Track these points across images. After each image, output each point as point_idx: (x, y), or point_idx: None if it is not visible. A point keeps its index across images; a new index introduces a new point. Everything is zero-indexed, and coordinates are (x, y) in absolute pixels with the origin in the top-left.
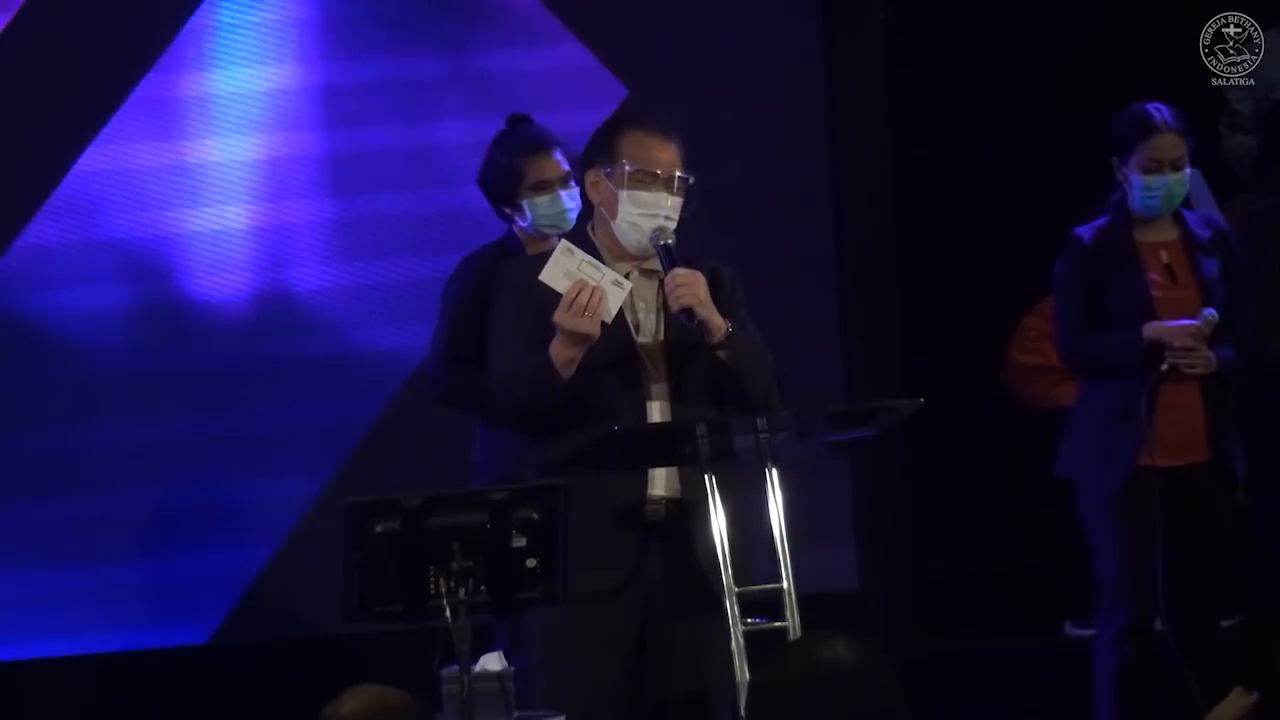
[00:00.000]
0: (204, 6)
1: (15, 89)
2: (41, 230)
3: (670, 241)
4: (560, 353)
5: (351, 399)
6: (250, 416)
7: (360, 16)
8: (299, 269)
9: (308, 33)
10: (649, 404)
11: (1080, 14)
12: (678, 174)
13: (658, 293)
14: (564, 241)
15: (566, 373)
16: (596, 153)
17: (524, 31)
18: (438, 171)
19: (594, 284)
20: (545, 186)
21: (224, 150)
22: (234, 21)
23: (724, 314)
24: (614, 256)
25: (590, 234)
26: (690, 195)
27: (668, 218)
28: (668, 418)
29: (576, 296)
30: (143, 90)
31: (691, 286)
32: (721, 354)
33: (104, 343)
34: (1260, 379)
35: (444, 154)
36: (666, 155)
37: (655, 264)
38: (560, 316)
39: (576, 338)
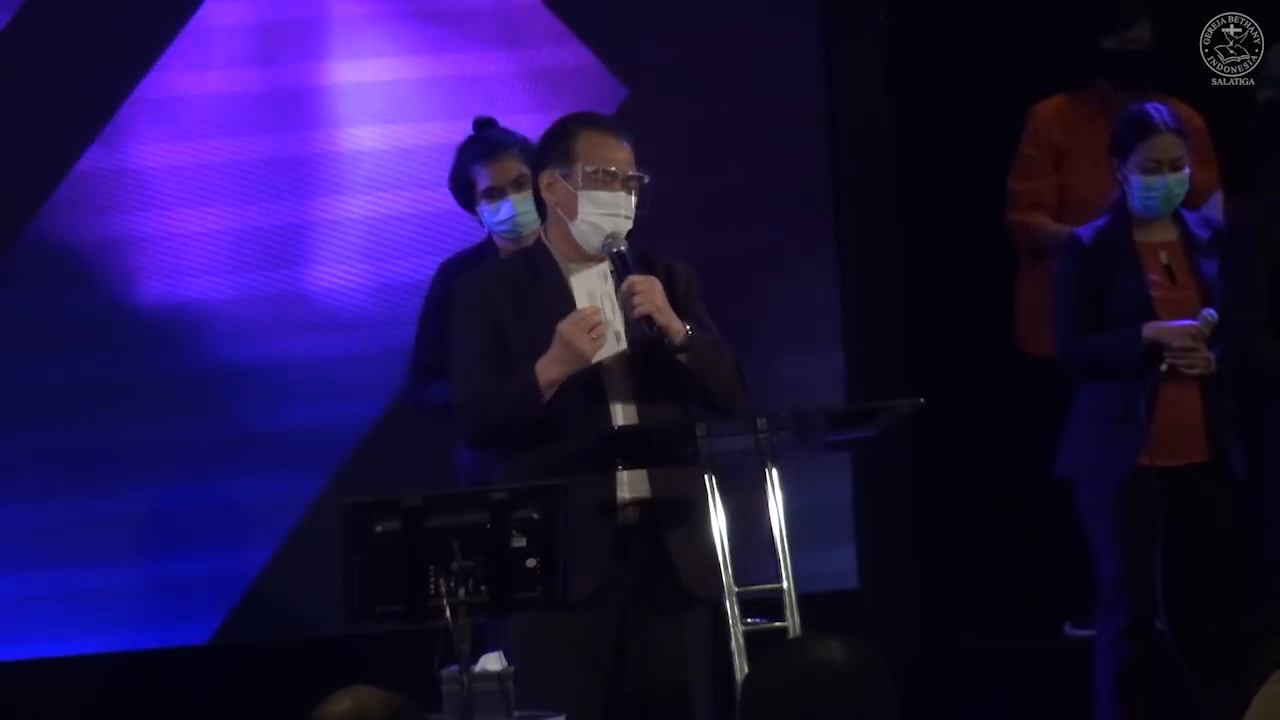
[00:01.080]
0: (203, 7)
1: (15, 89)
2: (39, 230)
3: (623, 248)
4: (547, 371)
5: (351, 399)
6: (250, 416)
7: (356, 18)
8: (298, 269)
9: (305, 34)
10: (613, 406)
11: (1080, 13)
12: (632, 173)
13: (616, 294)
14: (606, 265)
15: (549, 393)
16: (550, 154)
17: (524, 31)
18: (435, 172)
19: (604, 318)
20: (497, 191)
21: (224, 151)
22: (228, 23)
23: (681, 312)
24: (568, 259)
25: (544, 236)
26: (645, 194)
27: (627, 216)
28: (634, 420)
29: (590, 315)
30: (141, 90)
31: (648, 294)
32: (682, 357)
33: (103, 343)
34: (1250, 383)
35: (442, 154)
36: (623, 155)
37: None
38: (566, 326)
39: (572, 354)
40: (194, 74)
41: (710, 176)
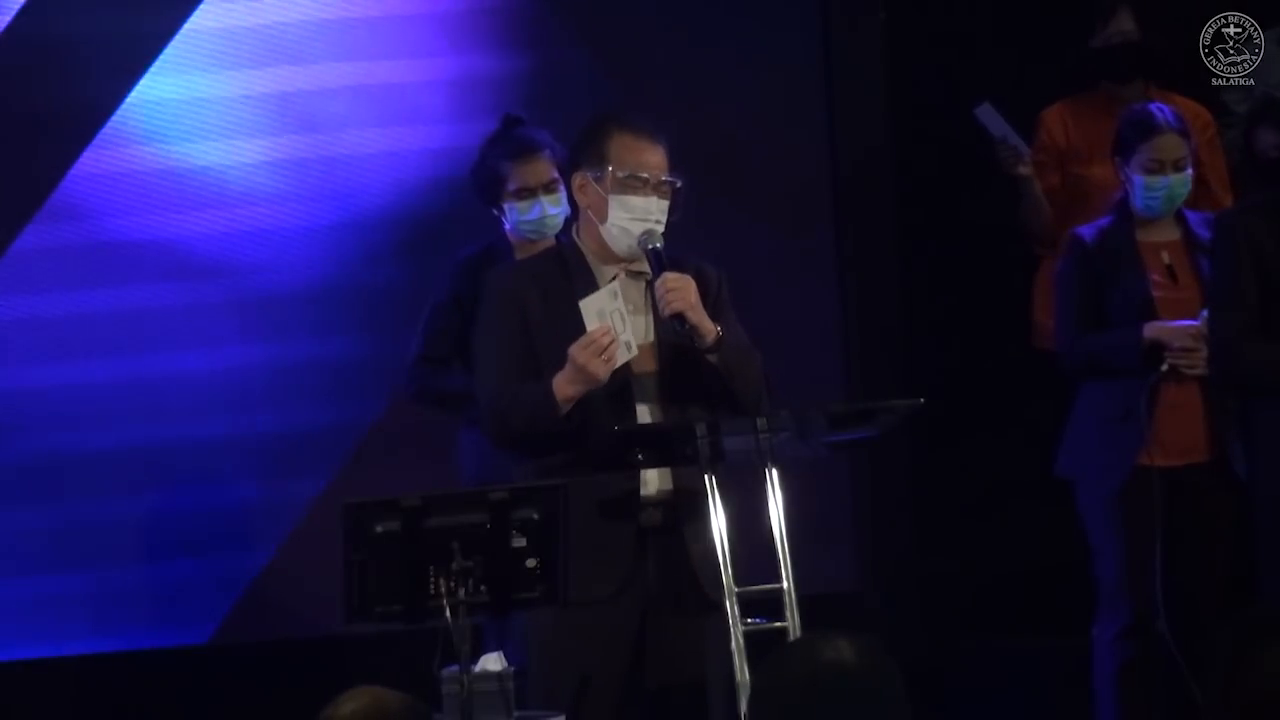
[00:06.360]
0: (199, 9)
1: (14, 89)
2: (38, 233)
3: (659, 245)
4: (563, 389)
5: (351, 400)
6: (251, 417)
7: (354, 20)
8: (299, 271)
9: (305, 35)
10: (638, 407)
11: (1080, 12)
12: (665, 177)
13: (645, 295)
14: (617, 283)
15: (565, 408)
16: (583, 156)
17: (524, 31)
18: (436, 172)
19: (615, 335)
20: (528, 192)
21: (222, 154)
22: (225, 25)
23: (711, 315)
24: (600, 260)
25: (576, 237)
26: (678, 198)
27: (657, 221)
28: (658, 420)
29: (600, 338)
30: (141, 92)
31: (682, 291)
32: (712, 358)
33: (102, 344)
34: (1238, 388)
35: (441, 155)
36: (655, 158)
37: (643, 265)
38: (577, 351)
39: (585, 377)
40: (192, 75)
41: (710, 177)
